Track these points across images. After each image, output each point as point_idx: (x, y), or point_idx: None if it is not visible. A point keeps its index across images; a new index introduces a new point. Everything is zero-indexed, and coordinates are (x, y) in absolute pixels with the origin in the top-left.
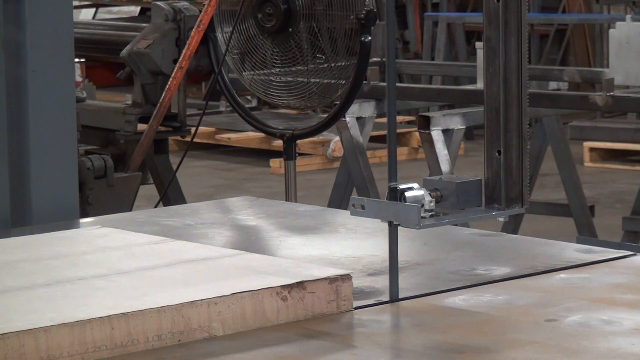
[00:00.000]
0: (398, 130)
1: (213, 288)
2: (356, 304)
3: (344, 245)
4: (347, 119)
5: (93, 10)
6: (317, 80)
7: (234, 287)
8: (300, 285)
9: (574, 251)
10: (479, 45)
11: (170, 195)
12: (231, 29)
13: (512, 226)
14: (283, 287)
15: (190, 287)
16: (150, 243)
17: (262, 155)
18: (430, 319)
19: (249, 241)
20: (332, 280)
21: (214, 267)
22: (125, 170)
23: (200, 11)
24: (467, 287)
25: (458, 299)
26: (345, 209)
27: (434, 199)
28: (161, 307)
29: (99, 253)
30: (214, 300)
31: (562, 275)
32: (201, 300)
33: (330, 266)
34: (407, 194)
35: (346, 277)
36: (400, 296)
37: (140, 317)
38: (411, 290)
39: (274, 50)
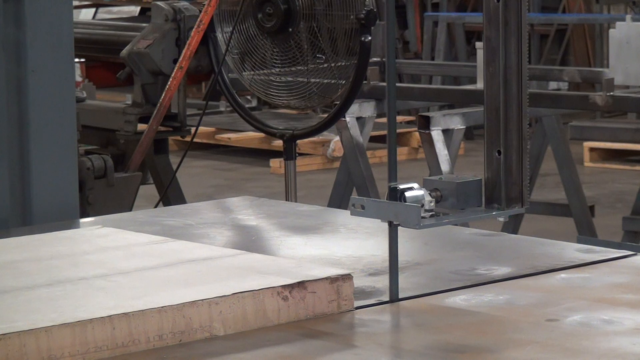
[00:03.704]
0: (398, 130)
1: (214, 288)
2: (357, 303)
3: (344, 245)
4: (347, 119)
5: (93, 10)
6: (317, 80)
7: (235, 287)
8: (301, 285)
9: (574, 251)
10: (479, 45)
11: (170, 195)
12: (231, 29)
13: (512, 226)
14: (284, 287)
15: (191, 287)
16: (151, 243)
17: (262, 155)
18: (431, 318)
19: (249, 241)
20: (333, 280)
21: (215, 267)
22: (125, 170)
23: (200, 11)
24: (468, 287)
25: (459, 299)
26: (345, 208)
27: (434, 199)
28: (162, 307)
29: (99, 253)
30: (215, 300)
31: (562, 275)
32: (202, 300)
33: (331, 266)
34: (407, 194)
35: (347, 277)
36: (401, 296)
37: (141, 317)
38: (412, 290)
39: (274, 50)
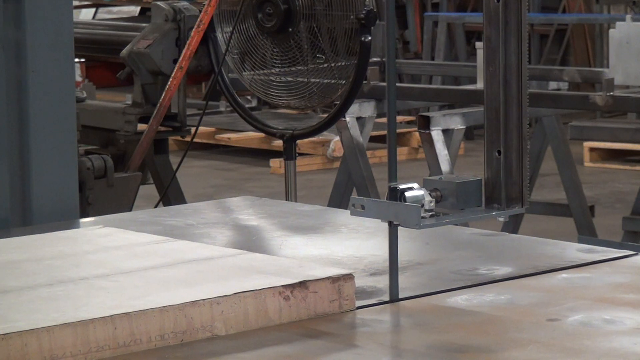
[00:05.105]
0: (398, 130)
1: (215, 288)
2: (358, 303)
3: (345, 245)
4: (347, 119)
5: (93, 10)
6: (317, 80)
7: (237, 286)
8: (302, 285)
9: (575, 251)
10: (479, 45)
11: (170, 195)
12: (231, 29)
13: (512, 226)
14: (285, 286)
15: (192, 287)
16: (153, 243)
17: (262, 155)
18: (432, 318)
19: (250, 241)
20: (334, 280)
21: (216, 267)
22: (125, 170)
23: (200, 11)
24: (469, 287)
25: (460, 299)
26: (345, 208)
27: (434, 199)
28: (164, 306)
29: (101, 253)
30: (216, 300)
31: (564, 274)
32: (204, 300)
33: (332, 266)
34: (407, 194)
35: (348, 277)
36: (402, 296)
37: (142, 317)
38: (413, 290)
39: (274, 50)
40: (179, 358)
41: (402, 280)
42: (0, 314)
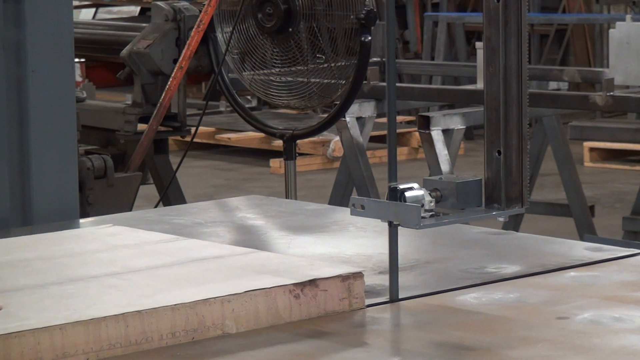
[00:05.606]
0: (398, 130)
1: (226, 286)
2: (368, 301)
3: (354, 244)
4: (347, 119)
5: (93, 10)
6: (317, 80)
7: (247, 285)
8: (312, 283)
9: (582, 249)
10: (479, 45)
11: (170, 195)
12: (231, 29)
13: (512, 226)
14: (296, 285)
15: (203, 285)
16: (162, 241)
17: (262, 155)
18: (441, 317)
19: (259, 239)
20: (344, 278)
21: (226, 266)
22: (125, 170)
23: (200, 11)
24: (478, 285)
25: (469, 297)
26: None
27: (434, 199)
28: (175, 305)
29: (110, 251)
30: (227, 298)
31: (572, 273)
32: (214, 298)
33: (341, 264)
34: (407, 194)
35: (358, 275)
36: (410, 294)
37: (154, 315)
38: (422, 288)
39: (274, 50)
40: (190, 356)
41: (411, 278)
42: (12, 312)
